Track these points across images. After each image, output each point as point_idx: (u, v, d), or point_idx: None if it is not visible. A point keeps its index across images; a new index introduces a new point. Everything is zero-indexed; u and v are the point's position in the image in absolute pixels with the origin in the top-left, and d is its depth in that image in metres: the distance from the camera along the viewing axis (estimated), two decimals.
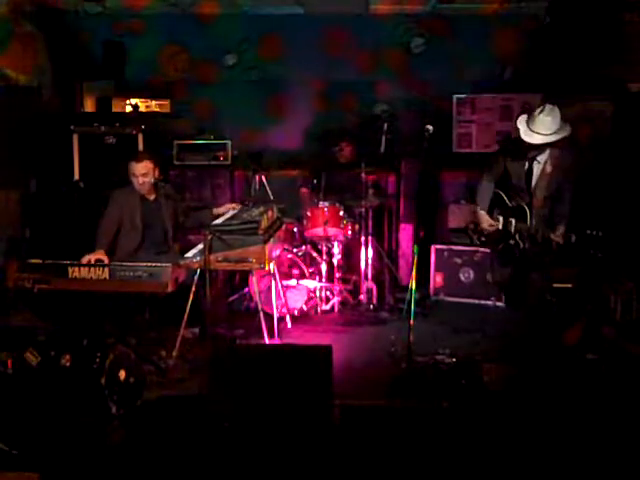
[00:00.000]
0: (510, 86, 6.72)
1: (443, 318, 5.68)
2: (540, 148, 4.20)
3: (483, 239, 4.74)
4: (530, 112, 4.27)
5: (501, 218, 4.58)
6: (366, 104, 7.09)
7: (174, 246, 5.06)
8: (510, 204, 4.53)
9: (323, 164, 6.48)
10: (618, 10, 6.29)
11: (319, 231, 5.76)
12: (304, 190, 6.43)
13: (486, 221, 4.63)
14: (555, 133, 4.08)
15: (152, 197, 5.01)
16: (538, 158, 4.28)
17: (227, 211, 4.96)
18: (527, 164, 4.34)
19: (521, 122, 4.21)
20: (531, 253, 4.44)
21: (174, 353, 4.51)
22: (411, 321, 4.33)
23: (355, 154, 6.30)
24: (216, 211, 5.00)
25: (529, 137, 4.12)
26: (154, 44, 6.97)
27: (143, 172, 4.86)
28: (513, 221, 4.47)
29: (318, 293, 5.85)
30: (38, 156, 6.16)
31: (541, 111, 4.13)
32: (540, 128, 4.07)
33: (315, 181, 6.36)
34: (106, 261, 4.46)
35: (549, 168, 4.26)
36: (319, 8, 6.77)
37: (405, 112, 6.91)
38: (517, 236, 4.43)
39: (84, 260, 4.42)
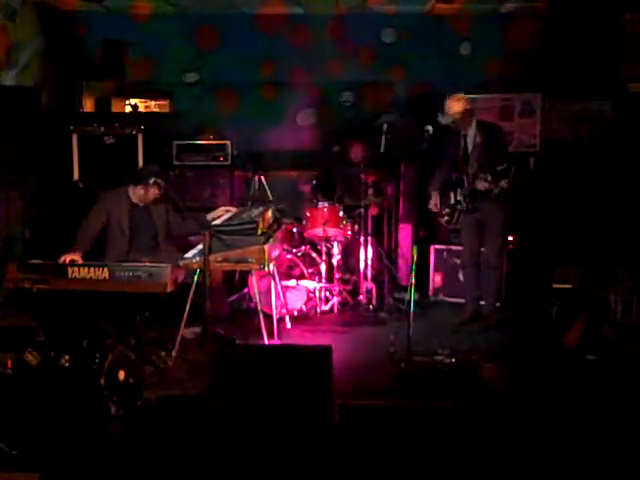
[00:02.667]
0: (509, 86, 6.74)
1: (443, 318, 5.68)
2: (461, 123, 5.23)
3: (447, 218, 5.42)
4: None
5: (452, 194, 5.34)
6: (366, 104, 7.09)
7: (171, 247, 5.05)
8: (455, 180, 5.35)
9: (324, 164, 6.48)
10: (618, 10, 6.30)
11: (318, 231, 5.76)
12: (305, 188, 6.43)
13: (433, 201, 5.46)
14: (461, 109, 5.17)
15: (142, 203, 5.01)
16: (468, 133, 5.27)
17: (222, 214, 4.92)
18: (462, 141, 5.30)
19: (439, 117, 5.32)
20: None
21: (174, 353, 4.51)
22: (411, 321, 4.33)
23: (364, 154, 6.25)
24: (210, 216, 4.93)
25: (444, 120, 5.22)
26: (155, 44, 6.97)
27: (157, 197, 4.95)
28: (458, 190, 5.30)
29: (317, 293, 5.84)
30: (37, 156, 6.16)
31: (445, 100, 5.29)
32: (447, 110, 5.21)
33: (314, 181, 6.36)
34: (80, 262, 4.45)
35: (479, 138, 5.23)
36: (319, 8, 6.77)
37: (405, 112, 6.91)
38: (461, 199, 5.28)
39: (60, 260, 4.43)
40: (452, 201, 5.33)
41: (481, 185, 5.07)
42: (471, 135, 5.26)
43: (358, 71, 7.03)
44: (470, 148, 5.27)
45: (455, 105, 5.16)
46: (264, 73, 7.01)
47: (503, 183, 4.93)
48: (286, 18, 6.95)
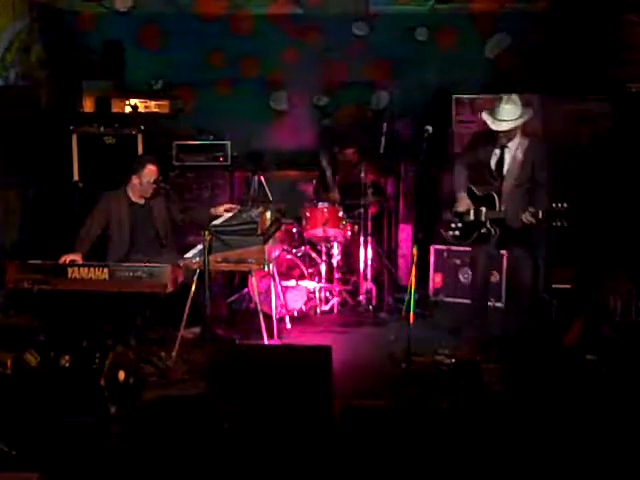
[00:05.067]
0: (510, 86, 6.73)
1: (443, 318, 5.68)
2: (509, 135, 4.48)
3: (457, 233, 4.80)
4: (491, 107, 4.61)
5: (472, 210, 4.71)
6: (366, 104, 7.09)
7: (171, 247, 5.06)
8: (479, 194, 4.70)
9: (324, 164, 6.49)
10: (618, 10, 6.29)
11: (318, 232, 5.77)
12: (306, 188, 6.43)
13: (463, 204, 4.74)
14: (519, 118, 4.43)
15: (142, 201, 5.01)
16: (509, 145, 4.53)
17: (224, 213, 4.94)
18: (499, 152, 4.57)
19: (486, 116, 4.57)
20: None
21: (173, 353, 4.52)
22: (410, 321, 4.33)
23: (358, 160, 6.25)
24: (213, 211, 4.98)
25: (497, 125, 4.44)
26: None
27: (157, 175, 4.91)
28: (483, 209, 4.63)
29: (317, 294, 5.85)
30: (37, 156, 6.15)
31: (501, 101, 4.50)
32: (504, 116, 4.42)
33: (315, 181, 6.36)
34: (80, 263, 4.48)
35: (520, 155, 4.51)
36: (319, 8, 6.78)
37: (404, 112, 6.91)
38: (487, 223, 4.62)
39: (61, 260, 4.45)
40: (472, 218, 4.69)
41: (527, 219, 4.37)
42: (512, 148, 4.55)
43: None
44: (508, 161, 4.57)
45: (515, 109, 4.42)
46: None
47: (558, 223, 4.28)
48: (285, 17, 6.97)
